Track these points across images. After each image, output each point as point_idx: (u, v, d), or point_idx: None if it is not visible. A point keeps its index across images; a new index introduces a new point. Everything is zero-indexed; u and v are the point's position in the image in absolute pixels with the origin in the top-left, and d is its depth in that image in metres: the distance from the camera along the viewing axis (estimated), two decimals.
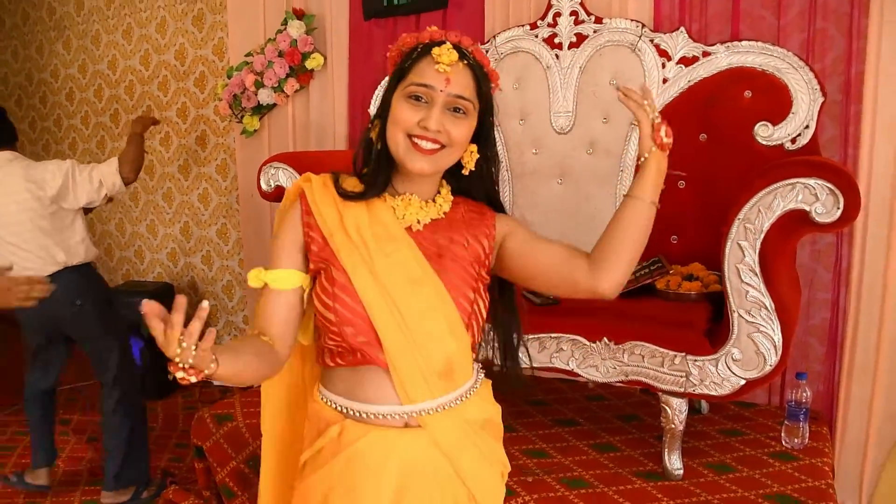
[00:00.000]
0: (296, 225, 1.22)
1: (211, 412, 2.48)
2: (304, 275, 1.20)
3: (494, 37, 2.70)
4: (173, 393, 4.03)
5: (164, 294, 4.03)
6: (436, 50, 1.16)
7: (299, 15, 3.15)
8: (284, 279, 1.19)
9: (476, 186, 1.29)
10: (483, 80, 1.21)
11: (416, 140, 1.16)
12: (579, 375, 2.05)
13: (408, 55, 1.20)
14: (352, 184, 1.24)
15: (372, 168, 1.23)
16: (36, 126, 4.97)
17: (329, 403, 1.21)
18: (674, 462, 1.96)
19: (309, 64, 3.13)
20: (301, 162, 2.45)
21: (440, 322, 1.17)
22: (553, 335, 2.05)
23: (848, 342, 2.43)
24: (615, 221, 1.22)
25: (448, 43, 1.17)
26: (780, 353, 1.79)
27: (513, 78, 2.67)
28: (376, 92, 2.72)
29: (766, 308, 1.77)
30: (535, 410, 2.48)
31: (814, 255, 2.53)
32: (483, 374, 1.32)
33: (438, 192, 1.27)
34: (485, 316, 1.23)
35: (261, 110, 3.31)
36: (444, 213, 1.25)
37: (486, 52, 2.69)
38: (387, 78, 1.25)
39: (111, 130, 4.49)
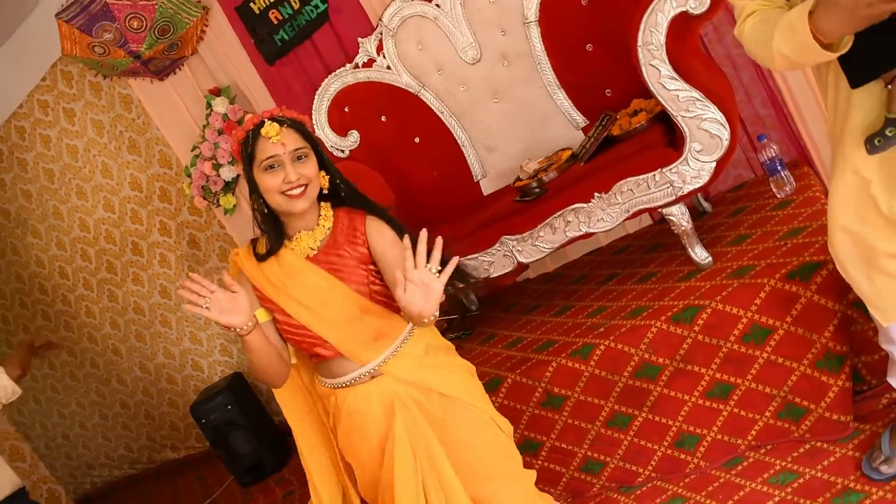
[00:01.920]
0: (248, 287, 1.72)
1: None
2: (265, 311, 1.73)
3: (380, 20, 3.00)
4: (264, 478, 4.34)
5: (237, 383, 4.35)
6: (263, 130, 1.61)
7: (216, 93, 3.45)
8: (261, 314, 1.72)
9: (343, 194, 1.76)
10: (303, 129, 1.67)
11: (287, 193, 1.61)
12: (594, 233, 2.38)
13: (246, 142, 1.63)
14: (264, 244, 1.73)
15: (268, 231, 1.70)
16: (49, 314, 5.28)
17: (325, 385, 1.76)
18: (699, 254, 2.29)
19: None
20: None
21: (353, 309, 1.67)
22: (555, 215, 2.37)
23: (786, 95, 2.74)
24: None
25: (266, 121, 1.62)
26: (728, 127, 2.11)
27: (414, 42, 2.97)
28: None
29: (698, 99, 2.09)
30: (579, 286, 2.82)
31: (734, 40, 2.83)
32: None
33: (320, 215, 1.71)
34: (388, 290, 1.68)
35: (230, 186, 3.62)
36: (329, 229, 1.70)
37: (380, 35, 3.00)
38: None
39: (114, 280, 4.80)
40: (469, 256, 2.55)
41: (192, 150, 3.63)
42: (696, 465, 2.22)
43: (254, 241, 1.76)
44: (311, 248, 1.68)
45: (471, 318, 3.03)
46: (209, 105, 3.46)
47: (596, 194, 2.30)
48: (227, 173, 3.53)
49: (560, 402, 2.28)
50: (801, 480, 1.99)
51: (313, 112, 3.11)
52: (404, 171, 3.11)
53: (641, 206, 2.27)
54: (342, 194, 1.76)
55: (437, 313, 1.48)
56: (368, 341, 1.68)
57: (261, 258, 1.71)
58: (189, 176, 3.66)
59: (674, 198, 2.22)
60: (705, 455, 2.21)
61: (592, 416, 2.25)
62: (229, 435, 4.20)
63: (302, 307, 1.66)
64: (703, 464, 2.21)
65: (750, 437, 2.16)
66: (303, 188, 1.62)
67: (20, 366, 3.13)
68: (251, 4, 3.28)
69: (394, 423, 1.68)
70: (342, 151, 3.14)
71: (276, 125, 1.61)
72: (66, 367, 5.49)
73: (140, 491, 5.55)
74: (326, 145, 3.12)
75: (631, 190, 2.26)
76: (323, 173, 1.70)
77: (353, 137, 3.11)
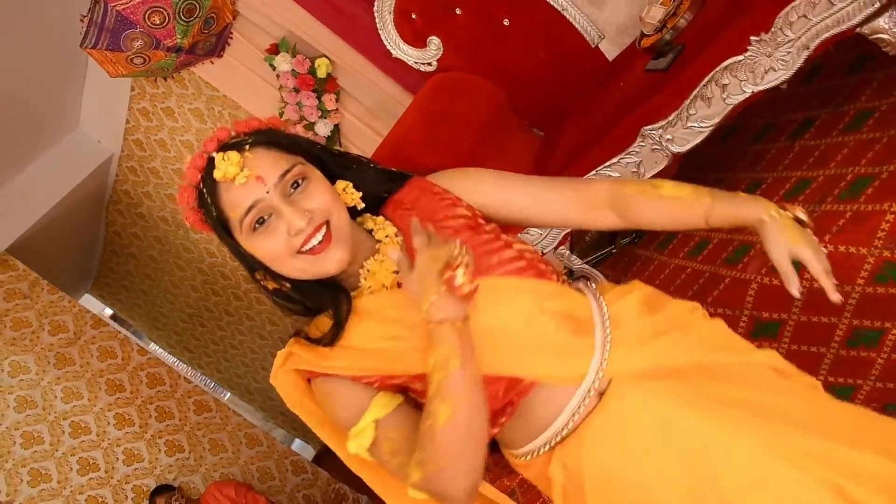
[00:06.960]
0: (334, 390, 1.01)
1: None
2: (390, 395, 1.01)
3: None
4: None
5: None
6: (216, 172, 0.97)
7: (274, 51, 3.02)
8: (382, 404, 0.99)
9: (374, 188, 1.10)
10: (279, 139, 1.02)
11: (305, 251, 0.99)
12: (767, 90, 1.68)
13: (205, 204, 1.01)
14: (320, 325, 1.04)
15: (315, 304, 1.05)
16: (239, 294, 5.44)
17: (522, 457, 1.03)
18: None
19: (321, 73, 2.98)
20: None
21: (523, 304, 0.99)
22: (704, 83, 1.70)
23: None
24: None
25: (216, 154, 0.97)
26: None
27: None
28: None
29: None
30: (764, 145, 2.12)
31: None
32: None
33: (371, 232, 1.08)
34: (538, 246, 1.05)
35: (333, 139, 3.22)
36: (397, 233, 1.07)
37: None
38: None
39: None
40: (610, 162, 1.96)
41: (279, 116, 3.28)
42: None
43: (297, 333, 1.06)
44: (394, 272, 1.04)
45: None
46: (273, 67, 3.04)
47: (753, 38, 1.60)
48: (324, 129, 3.16)
49: (775, 328, 1.71)
50: None
51: (380, 31, 2.60)
52: (504, 63, 2.53)
53: (827, 34, 1.53)
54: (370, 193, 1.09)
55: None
56: (565, 340, 0.98)
57: (331, 340, 1.01)
58: None
59: (874, 9, 1.46)
60: None
61: (825, 337, 1.66)
62: None
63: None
64: None
65: None
66: (324, 231, 0.98)
67: None
68: None
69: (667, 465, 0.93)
70: (429, 65, 2.63)
71: (234, 155, 0.96)
72: (276, 334, 5.69)
73: None
74: (409, 62, 2.62)
75: (804, 16, 1.53)
76: (346, 185, 1.05)
77: (435, 45, 2.57)
